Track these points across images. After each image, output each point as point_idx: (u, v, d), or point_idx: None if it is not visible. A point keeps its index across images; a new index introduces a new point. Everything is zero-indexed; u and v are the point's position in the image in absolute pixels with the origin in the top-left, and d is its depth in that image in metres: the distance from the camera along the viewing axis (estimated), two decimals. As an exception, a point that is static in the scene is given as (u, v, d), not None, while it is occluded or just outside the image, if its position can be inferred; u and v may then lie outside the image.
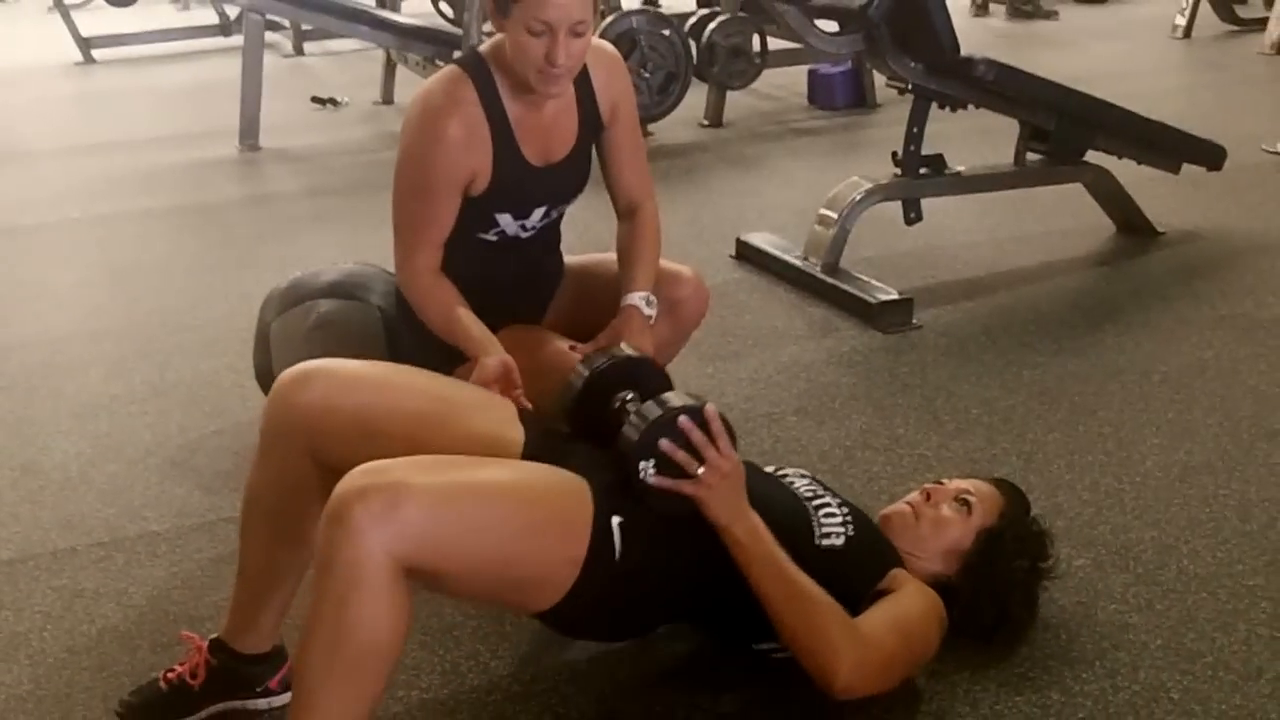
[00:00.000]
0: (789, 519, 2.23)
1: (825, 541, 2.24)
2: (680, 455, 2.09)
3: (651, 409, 2.12)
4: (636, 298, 2.67)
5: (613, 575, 2.06)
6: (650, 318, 2.66)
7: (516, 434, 2.22)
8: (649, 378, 2.39)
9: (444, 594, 1.99)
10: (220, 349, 4.00)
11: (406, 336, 2.90)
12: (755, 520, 2.13)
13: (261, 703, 2.34)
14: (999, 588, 2.36)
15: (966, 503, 2.41)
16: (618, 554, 2.06)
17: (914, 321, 3.99)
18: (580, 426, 2.35)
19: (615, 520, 2.07)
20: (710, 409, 2.11)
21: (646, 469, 2.08)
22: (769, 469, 2.45)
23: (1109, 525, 2.82)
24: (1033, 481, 3.00)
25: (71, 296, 4.61)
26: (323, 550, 1.88)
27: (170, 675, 2.31)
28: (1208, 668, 2.34)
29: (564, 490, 2.08)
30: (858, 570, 2.25)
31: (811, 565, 2.15)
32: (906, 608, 2.23)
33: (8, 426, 3.57)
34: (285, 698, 2.31)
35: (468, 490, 1.96)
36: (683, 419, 2.09)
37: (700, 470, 2.10)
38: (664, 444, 2.09)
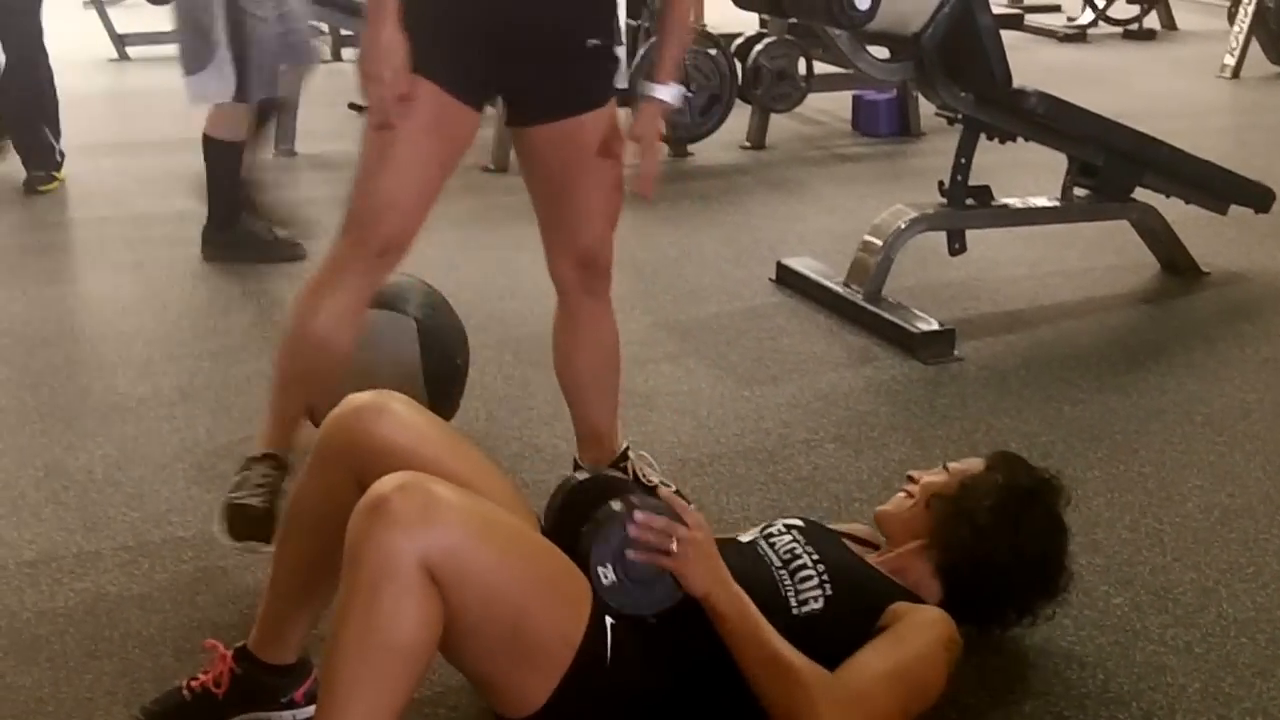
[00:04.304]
0: (762, 595, 2.17)
1: (805, 609, 2.20)
2: (651, 536, 2.05)
3: (607, 510, 2.09)
4: (659, 90, 2.72)
5: (601, 680, 2.02)
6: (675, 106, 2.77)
7: (534, 527, 2.24)
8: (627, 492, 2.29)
9: (447, 648, 1.96)
10: (250, 355, 3.97)
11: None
12: (736, 588, 2.09)
13: (285, 715, 2.30)
14: (975, 520, 2.32)
15: (945, 469, 2.45)
16: (608, 656, 2.02)
17: (955, 353, 3.96)
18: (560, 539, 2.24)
19: (608, 620, 2.04)
20: (663, 491, 2.16)
21: (612, 566, 2.05)
22: (749, 533, 2.41)
23: (1148, 565, 2.80)
24: (1071, 519, 2.89)
25: (99, 296, 4.60)
26: (355, 541, 1.88)
27: (194, 684, 2.28)
28: (1246, 713, 2.31)
29: (571, 565, 2.06)
30: (844, 626, 2.19)
31: (795, 634, 2.11)
32: (902, 649, 2.15)
33: (33, 425, 3.54)
34: (310, 710, 2.28)
35: (499, 525, 1.99)
36: (639, 514, 2.06)
37: (674, 545, 2.05)
38: (633, 528, 2.04)
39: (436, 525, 1.86)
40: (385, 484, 1.89)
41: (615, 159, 2.75)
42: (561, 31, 2.64)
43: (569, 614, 2.01)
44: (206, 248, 4.93)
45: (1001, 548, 2.31)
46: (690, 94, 6.25)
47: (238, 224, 4.92)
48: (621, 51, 2.67)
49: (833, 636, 2.16)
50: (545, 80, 2.66)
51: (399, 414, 2.23)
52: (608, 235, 2.83)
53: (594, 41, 2.66)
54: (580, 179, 2.75)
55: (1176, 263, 4.72)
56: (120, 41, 9.53)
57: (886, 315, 4.12)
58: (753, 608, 2.09)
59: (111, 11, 9.76)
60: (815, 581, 2.23)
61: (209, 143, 4.87)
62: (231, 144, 4.84)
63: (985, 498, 2.35)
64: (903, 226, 4.28)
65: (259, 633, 2.29)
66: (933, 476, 2.44)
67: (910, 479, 2.47)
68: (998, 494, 2.36)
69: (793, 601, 2.21)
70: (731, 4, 4.98)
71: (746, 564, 2.27)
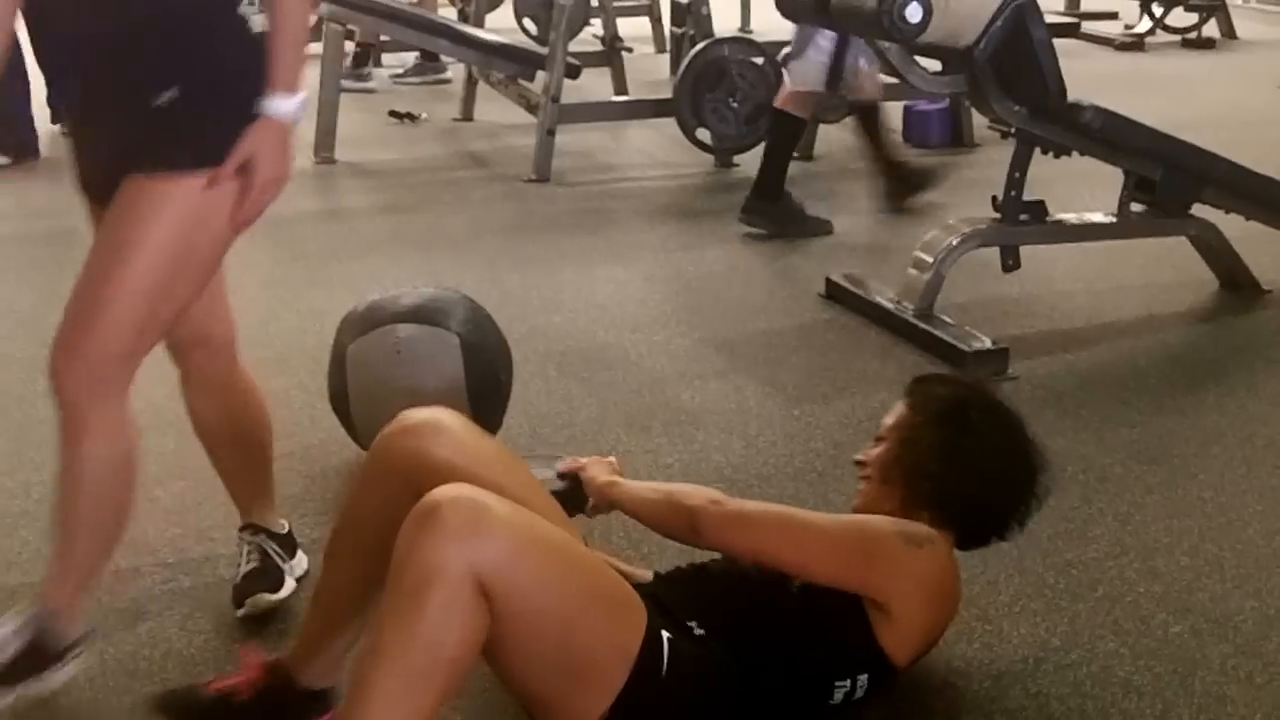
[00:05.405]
0: (761, 577, 2.25)
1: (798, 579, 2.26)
2: (570, 462, 2.55)
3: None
4: (268, 104, 2.26)
5: (657, 695, 2.03)
6: (295, 120, 2.29)
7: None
8: None
9: (497, 665, 2.00)
10: (290, 367, 3.94)
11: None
12: (634, 487, 2.43)
13: None
14: (929, 470, 2.37)
15: (880, 440, 2.48)
16: (664, 669, 2.03)
17: (1009, 372, 3.90)
18: None
19: (665, 634, 2.06)
20: None
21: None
22: None
23: (1208, 593, 2.75)
24: (1129, 544, 2.94)
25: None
26: (403, 549, 1.90)
27: (219, 686, 2.26)
28: (1309, 746, 2.26)
29: (624, 580, 2.14)
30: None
31: (800, 606, 2.22)
32: (828, 515, 2.38)
33: (71, 438, 3.51)
34: None
35: (550, 538, 2.01)
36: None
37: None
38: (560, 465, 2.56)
39: (486, 536, 1.88)
40: (437, 494, 1.93)
41: (143, 236, 2.23)
42: (122, 88, 2.25)
43: (623, 626, 2.02)
44: (747, 214, 5.30)
45: (969, 475, 2.36)
46: (735, 105, 6.21)
47: (781, 198, 5.33)
48: (205, 110, 2.25)
49: (832, 595, 2.21)
50: (113, 146, 2.28)
51: (454, 431, 2.24)
52: (107, 336, 2.28)
53: (167, 96, 2.22)
54: (95, 248, 2.31)
55: (1236, 279, 4.64)
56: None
57: (939, 333, 4.07)
58: (652, 488, 2.41)
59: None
60: None
61: (777, 115, 5.44)
62: (797, 119, 5.41)
63: (924, 441, 2.39)
64: (955, 242, 4.22)
65: (298, 650, 2.29)
66: (875, 450, 2.47)
67: (859, 464, 2.50)
68: (932, 432, 2.39)
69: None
70: (778, 13, 4.93)
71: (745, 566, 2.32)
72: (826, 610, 2.20)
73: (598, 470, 2.50)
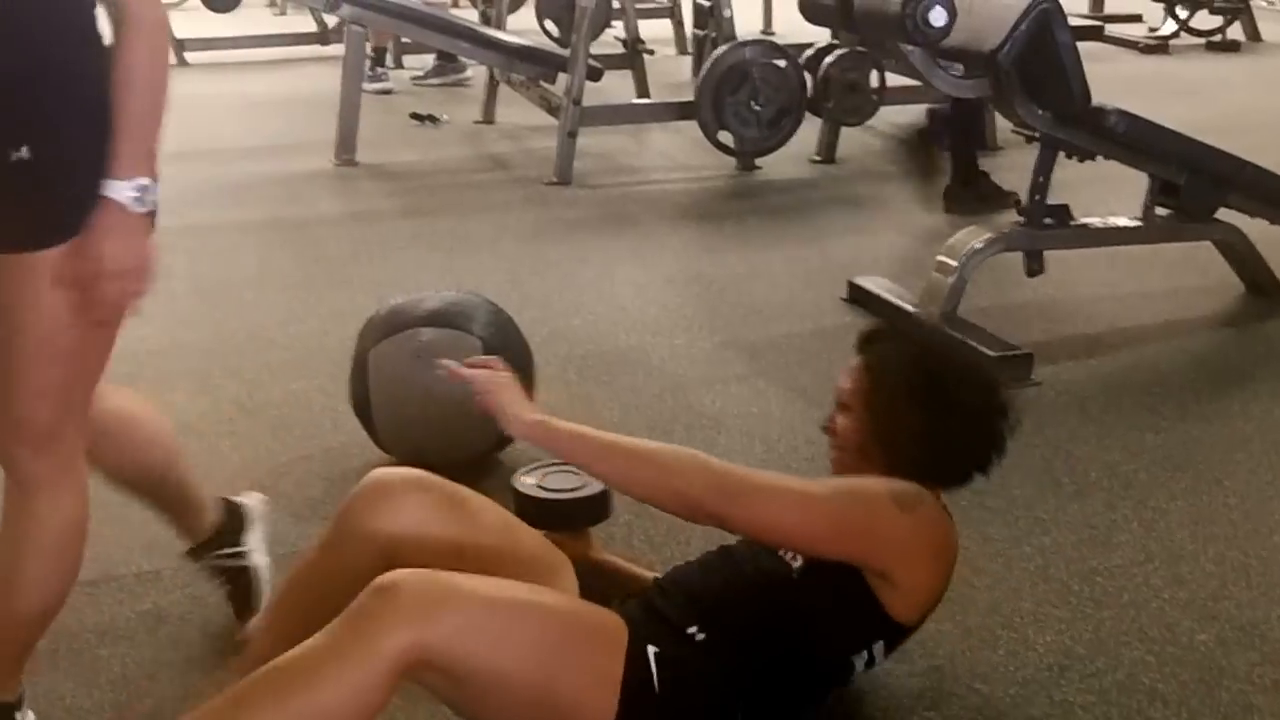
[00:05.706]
0: (767, 564, 2.23)
1: (798, 562, 2.21)
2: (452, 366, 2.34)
3: None
4: (112, 188, 2.00)
5: (657, 707, 2.03)
6: (143, 212, 2.04)
7: (570, 582, 2.29)
8: None
9: None
10: (311, 370, 3.93)
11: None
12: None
13: None
14: (914, 450, 2.29)
15: (845, 407, 2.38)
16: (656, 683, 2.03)
17: (1032, 377, 3.87)
18: None
19: (651, 649, 2.05)
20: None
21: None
22: None
23: (1234, 600, 2.73)
24: (1154, 550, 2.92)
25: (157, 309, 4.49)
26: (354, 610, 1.89)
27: None
28: (1338, 756, 2.24)
29: (598, 611, 2.11)
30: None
31: (803, 589, 2.18)
32: (818, 479, 2.27)
33: (92, 440, 3.51)
34: None
35: (508, 600, 2.01)
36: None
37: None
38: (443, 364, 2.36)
39: (440, 613, 1.89)
40: (397, 575, 1.93)
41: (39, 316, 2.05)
42: None
43: (602, 657, 2.03)
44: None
45: (950, 447, 2.31)
46: (757, 107, 6.20)
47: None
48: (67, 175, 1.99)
49: (832, 574, 2.18)
50: None
51: (425, 494, 2.26)
52: (28, 409, 2.11)
53: (17, 155, 1.97)
54: None
55: (1261, 284, 4.62)
56: (179, 47, 9.51)
57: (962, 338, 4.00)
58: (614, 443, 2.20)
59: (170, 16, 9.76)
60: None
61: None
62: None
63: (898, 419, 2.30)
64: (978, 246, 4.19)
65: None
66: (843, 419, 2.38)
67: (829, 430, 2.42)
68: (908, 405, 2.30)
69: (789, 560, 2.22)
70: (800, 15, 4.91)
71: (743, 545, 2.31)
72: (829, 592, 2.17)
73: (516, 404, 2.27)
